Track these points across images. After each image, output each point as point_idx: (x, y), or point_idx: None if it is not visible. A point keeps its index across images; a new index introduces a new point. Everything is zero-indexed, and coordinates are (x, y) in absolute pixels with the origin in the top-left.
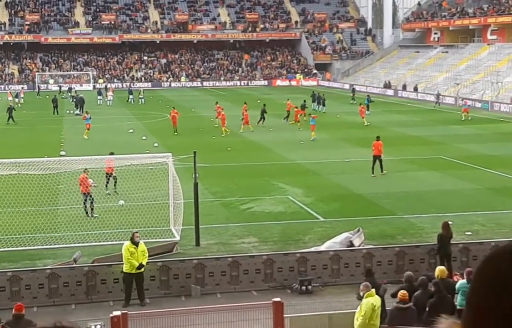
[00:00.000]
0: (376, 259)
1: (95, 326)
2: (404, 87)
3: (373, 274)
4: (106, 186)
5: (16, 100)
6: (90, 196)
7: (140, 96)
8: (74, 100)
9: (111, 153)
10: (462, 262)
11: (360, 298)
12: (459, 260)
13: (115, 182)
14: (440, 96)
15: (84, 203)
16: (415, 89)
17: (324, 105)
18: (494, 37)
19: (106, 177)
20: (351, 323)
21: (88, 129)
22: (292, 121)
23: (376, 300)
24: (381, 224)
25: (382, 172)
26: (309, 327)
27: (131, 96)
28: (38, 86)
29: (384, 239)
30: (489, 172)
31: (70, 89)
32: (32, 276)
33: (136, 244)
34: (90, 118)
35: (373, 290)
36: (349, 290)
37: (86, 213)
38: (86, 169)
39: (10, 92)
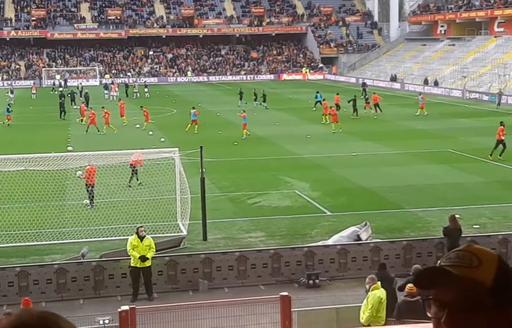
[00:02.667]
0: (383, 253)
1: (103, 320)
2: (426, 82)
3: (385, 267)
4: (131, 179)
5: (11, 95)
6: (93, 187)
7: (135, 90)
8: (70, 94)
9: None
10: None
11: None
12: None
13: (132, 176)
14: (502, 96)
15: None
16: (436, 84)
17: (265, 101)
18: (501, 29)
19: (131, 167)
20: (359, 316)
21: (194, 124)
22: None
23: (382, 292)
24: (388, 218)
25: (499, 155)
26: (316, 321)
27: (145, 90)
28: (54, 82)
29: (392, 232)
30: (496, 165)
31: (65, 82)
32: (40, 271)
33: (140, 238)
34: (195, 114)
35: (379, 282)
36: (356, 284)
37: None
38: (90, 161)
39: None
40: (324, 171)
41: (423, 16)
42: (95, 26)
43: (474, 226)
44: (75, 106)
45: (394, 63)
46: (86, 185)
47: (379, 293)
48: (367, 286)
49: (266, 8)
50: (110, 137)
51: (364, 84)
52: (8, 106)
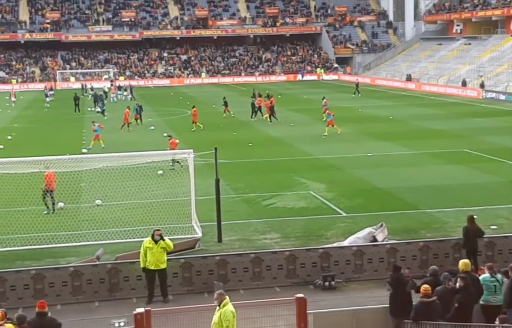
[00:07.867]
0: (400, 254)
1: (119, 323)
2: (464, 84)
3: (400, 269)
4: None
5: (47, 99)
6: (52, 192)
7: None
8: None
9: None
10: (487, 256)
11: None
12: (484, 254)
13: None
14: None
15: (46, 199)
16: (482, 86)
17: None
18: None
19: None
20: (376, 318)
21: None
22: None
23: (232, 307)
24: (404, 219)
25: None
26: (332, 323)
27: (125, 92)
28: (83, 85)
29: (408, 233)
30: None
31: (84, 87)
32: (56, 274)
33: (155, 241)
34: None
35: (228, 297)
36: (372, 286)
37: (47, 207)
38: (48, 166)
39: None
40: (339, 171)
41: (439, 15)
42: (109, 28)
43: (492, 227)
44: (90, 109)
45: (410, 62)
46: (45, 191)
47: (231, 307)
48: (216, 302)
49: (280, 9)
50: (124, 139)
51: (357, 86)
52: (137, 106)
